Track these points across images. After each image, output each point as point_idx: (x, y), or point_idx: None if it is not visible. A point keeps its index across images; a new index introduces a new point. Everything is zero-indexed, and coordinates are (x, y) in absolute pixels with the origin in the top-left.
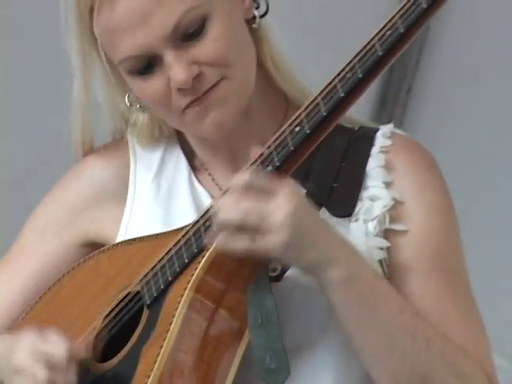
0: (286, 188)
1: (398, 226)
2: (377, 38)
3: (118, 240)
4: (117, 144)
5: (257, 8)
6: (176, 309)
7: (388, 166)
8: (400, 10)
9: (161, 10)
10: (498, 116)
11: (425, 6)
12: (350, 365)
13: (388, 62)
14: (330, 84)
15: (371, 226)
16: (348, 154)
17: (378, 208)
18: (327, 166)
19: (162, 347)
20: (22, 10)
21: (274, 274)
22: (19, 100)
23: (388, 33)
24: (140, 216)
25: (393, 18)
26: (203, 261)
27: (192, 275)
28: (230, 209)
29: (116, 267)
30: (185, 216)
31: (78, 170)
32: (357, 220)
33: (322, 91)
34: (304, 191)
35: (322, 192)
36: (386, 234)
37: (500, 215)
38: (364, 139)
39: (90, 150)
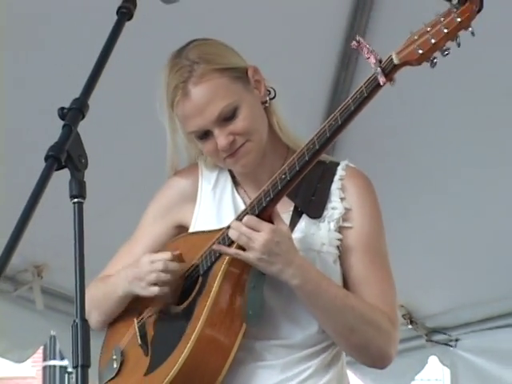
0: (267, 229)
1: (346, 224)
2: (338, 113)
3: (192, 225)
4: (191, 167)
5: (269, 94)
6: (217, 276)
7: (343, 188)
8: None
9: (209, 106)
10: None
11: (352, 108)
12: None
13: (344, 128)
14: (308, 143)
15: (332, 225)
16: (321, 178)
17: (336, 214)
18: (309, 186)
19: (208, 300)
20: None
21: None
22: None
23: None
24: (203, 212)
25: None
26: (235, 246)
27: (225, 258)
28: (235, 231)
29: (188, 246)
30: (228, 214)
31: (169, 183)
32: (324, 221)
33: (300, 151)
34: (292, 206)
35: (305, 203)
36: (340, 229)
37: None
38: (330, 169)
39: (175, 172)
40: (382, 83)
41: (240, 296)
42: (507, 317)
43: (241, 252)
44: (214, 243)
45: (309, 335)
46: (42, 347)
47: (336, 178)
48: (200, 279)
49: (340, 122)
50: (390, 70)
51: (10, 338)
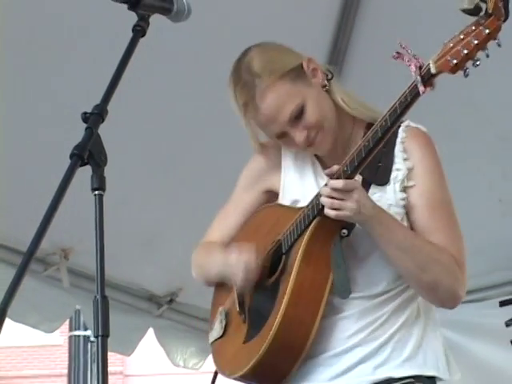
0: (356, 188)
1: (410, 183)
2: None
3: (281, 189)
4: (273, 142)
5: (327, 76)
6: (296, 258)
7: (405, 149)
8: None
9: (280, 113)
10: None
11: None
12: (390, 268)
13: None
14: (375, 127)
15: (397, 186)
16: (386, 143)
17: (400, 175)
18: (376, 153)
19: (289, 281)
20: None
21: (344, 235)
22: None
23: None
24: (288, 178)
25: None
26: (311, 227)
27: (304, 238)
28: (327, 198)
29: (275, 218)
30: (310, 179)
31: (256, 157)
32: (389, 184)
33: (369, 139)
34: (361, 178)
35: (371, 172)
36: (405, 189)
37: None
38: (393, 134)
39: (260, 145)
40: (421, 92)
41: (320, 271)
42: (469, 294)
43: (340, 213)
44: (296, 219)
45: (381, 286)
46: (68, 319)
47: (398, 140)
48: (283, 258)
49: (389, 124)
50: (428, 78)
51: (40, 311)
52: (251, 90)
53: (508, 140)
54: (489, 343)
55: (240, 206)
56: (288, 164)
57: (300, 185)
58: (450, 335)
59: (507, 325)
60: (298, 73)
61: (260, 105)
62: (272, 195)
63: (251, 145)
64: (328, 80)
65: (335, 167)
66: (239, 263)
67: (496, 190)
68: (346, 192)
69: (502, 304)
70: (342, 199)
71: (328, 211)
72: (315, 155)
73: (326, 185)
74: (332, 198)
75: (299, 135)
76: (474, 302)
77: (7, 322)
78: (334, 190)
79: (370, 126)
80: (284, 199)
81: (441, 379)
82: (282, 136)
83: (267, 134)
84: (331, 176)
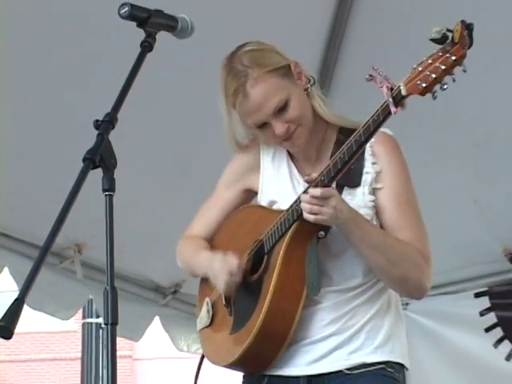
0: (333, 195)
1: (378, 185)
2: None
3: (259, 189)
4: (252, 143)
5: (309, 82)
6: (279, 255)
7: (373, 153)
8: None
9: (266, 103)
10: None
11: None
12: (362, 265)
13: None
14: (348, 143)
15: (366, 188)
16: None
17: (369, 178)
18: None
19: (272, 279)
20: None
21: (322, 237)
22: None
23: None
24: (266, 178)
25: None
26: (291, 230)
27: (285, 239)
28: (308, 204)
29: (256, 218)
30: (285, 179)
31: (237, 157)
32: (360, 186)
33: (347, 147)
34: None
35: (344, 176)
36: (373, 191)
37: None
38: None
39: (240, 147)
40: (393, 112)
41: (299, 269)
42: (446, 286)
43: (318, 217)
44: (277, 222)
45: (354, 281)
46: (81, 308)
47: (368, 145)
48: (265, 257)
49: (363, 139)
50: (399, 100)
51: (57, 301)
52: (243, 78)
53: (482, 145)
54: (465, 331)
55: (220, 203)
56: (266, 165)
57: (276, 185)
58: (429, 324)
59: (481, 314)
60: (285, 71)
61: (250, 91)
62: (251, 194)
63: (226, 143)
64: (310, 85)
65: (314, 175)
66: (222, 269)
67: (471, 192)
68: (323, 199)
69: (477, 295)
70: (320, 205)
71: (307, 216)
72: (290, 158)
73: (305, 192)
74: (311, 204)
75: (280, 127)
76: (451, 293)
77: (27, 310)
78: (313, 197)
79: (341, 130)
80: (262, 199)
81: (406, 368)
82: (263, 126)
83: (249, 123)
84: (310, 183)
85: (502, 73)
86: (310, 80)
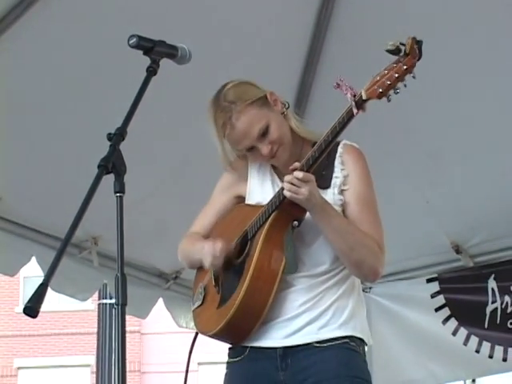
0: (311, 181)
1: (345, 187)
2: (330, 131)
3: (247, 194)
4: (241, 159)
5: (284, 106)
6: (259, 240)
7: (342, 162)
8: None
9: (251, 130)
10: None
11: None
12: (330, 253)
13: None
14: (325, 135)
15: (335, 190)
16: (328, 156)
17: (338, 181)
18: (320, 164)
19: (252, 260)
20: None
21: (296, 226)
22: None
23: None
24: (252, 185)
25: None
26: (270, 219)
27: (265, 227)
28: (289, 183)
29: (243, 215)
30: (268, 185)
31: (225, 175)
32: (330, 188)
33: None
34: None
35: (317, 178)
36: (342, 192)
37: None
38: (333, 148)
39: (230, 164)
40: (355, 113)
41: (277, 252)
42: (404, 273)
43: (294, 195)
44: (259, 214)
45: (323, 267)
46: (97, 291)
47: (337, 155)
48: (249, 243)
49: (330, 139)
50: (360, 103)
51: (76, 284)
52: (228, 113)
53: (434, 156)
54: (418, 311)
55: (216, 206)
56: (253, 174)
57: (261, 190)
58: (389, 305)
59: (432, 297)
60: (263, 101)
61: (236, 123)
62: (241, 200)
63: (223, 166)
64: (285, 109)
65: (297, 164)
66: (209, 251)
67: (424, 194)
68: (302, 181)
69: (429, 281)
70: (298, 186)
71: (286, 193)
72: (273, 168)
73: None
74: (292, 183)
75: (266, 148)
76: (406, 279)
77: (51, 292)
78: (295, 178)
79: (314, 144)
80: (249, 200)
81: (366, 343)
82: (251, 150)
83: (239, 148)
84: (294, 170)
85: (451, 93)
86: (285, 105)
